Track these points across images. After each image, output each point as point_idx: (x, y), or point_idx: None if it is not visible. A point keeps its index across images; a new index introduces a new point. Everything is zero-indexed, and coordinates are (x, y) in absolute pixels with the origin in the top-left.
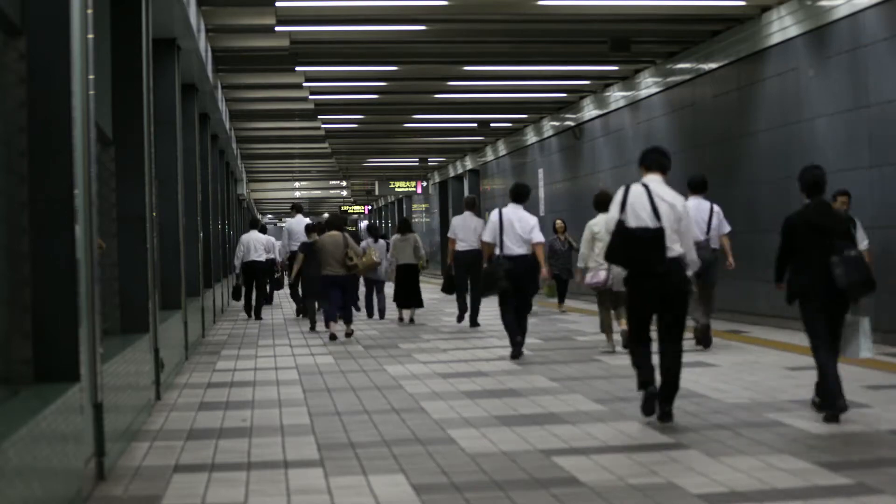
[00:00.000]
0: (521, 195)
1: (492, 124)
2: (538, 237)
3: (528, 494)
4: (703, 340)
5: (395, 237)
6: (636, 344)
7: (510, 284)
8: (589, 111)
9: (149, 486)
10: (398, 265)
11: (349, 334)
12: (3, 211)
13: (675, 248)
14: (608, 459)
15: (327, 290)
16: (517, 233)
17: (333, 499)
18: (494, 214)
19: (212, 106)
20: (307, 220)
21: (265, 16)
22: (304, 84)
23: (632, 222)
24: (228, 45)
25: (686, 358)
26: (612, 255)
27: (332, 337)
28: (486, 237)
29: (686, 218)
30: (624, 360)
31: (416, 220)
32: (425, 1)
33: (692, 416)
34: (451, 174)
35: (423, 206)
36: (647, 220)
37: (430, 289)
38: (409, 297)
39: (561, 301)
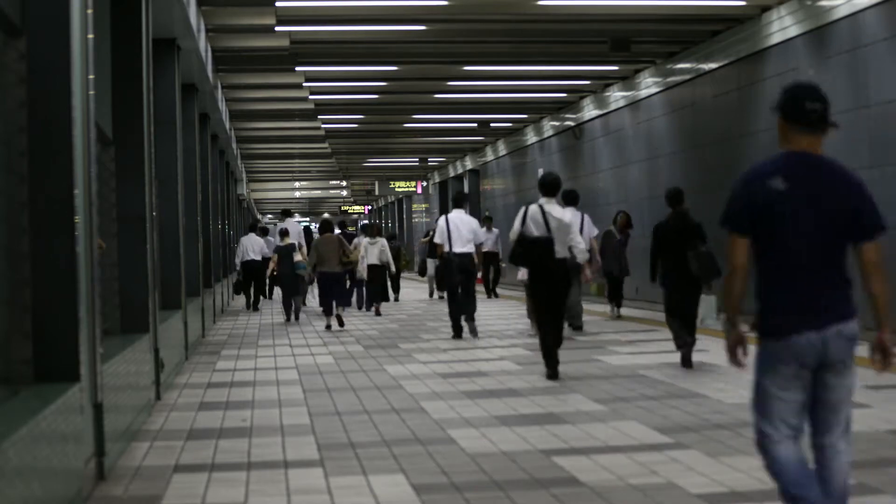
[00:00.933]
0: (460, 202)
1: (492, 124)
2: (481, 238)
3: (528, 494)
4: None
5: (365, 240)
6: (539, 314)
7: (462, 277)
8: (589, 111)
9: (149, 486)
10: (368, 265)
11: (340, 321)
12: (3, 211)
13: (561, 251)
14: (608, 459)
15: (324, 285)
16: (463, 234)
17: (333, 499)
18: (442, 220)
19: (212, 106)
20: (298, 224)
21: (265, 16)
22: (304, 84)
23: (531, 233)
24: (228, 45)
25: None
26: (515, 259)
27: (328, 327)
28: (437, 239)
29: (569, 229)
30: (624, 360)
31: (416, 219)
32: (425, 1)
33: (692, 416)
34: (451, 174)
35: (423, 205)
36: (541, 232)
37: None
38: (381, 294)
39: (617, 304)
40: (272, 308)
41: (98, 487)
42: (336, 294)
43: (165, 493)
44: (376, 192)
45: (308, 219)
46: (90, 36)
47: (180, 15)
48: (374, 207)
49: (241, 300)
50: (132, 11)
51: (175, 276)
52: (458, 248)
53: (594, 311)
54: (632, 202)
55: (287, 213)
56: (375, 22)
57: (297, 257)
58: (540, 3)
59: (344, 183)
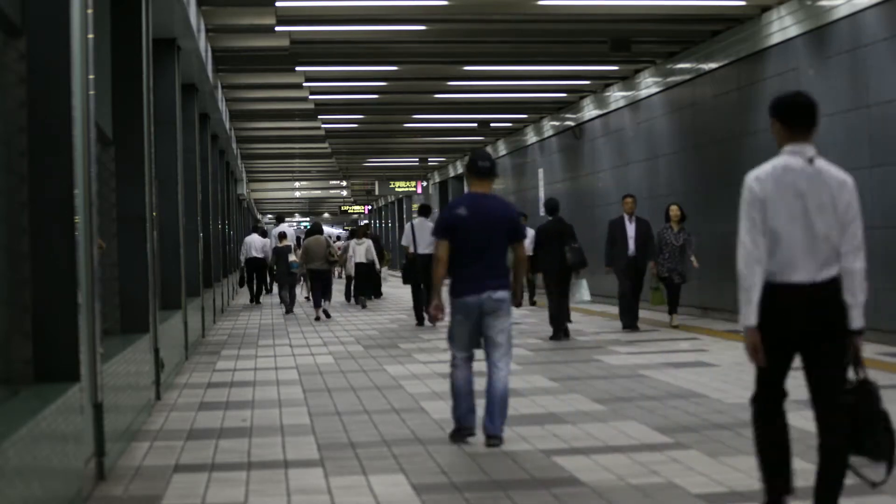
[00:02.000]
0: (425, 212)
1: (492, 124)
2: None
3: (529, 494)
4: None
5: (352, 241)
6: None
7: (425, 274)
8: (589, 111)
9: (149, 486)
10: (355, 263)
11: (326, 313)
12: (3, 211)
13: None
14: (608, 459)
15: (313, 280)
16: (426, 238)
17: (333, 499)
18: (408, 226)
19: (212, 106)
20: (291, 228)
21: (265, 16)
22: (304, 84)
23: (420, 250)
24: (228, 45)
25: (685, 357)
26: (406, 278)
27: (317, 318)
28: (404, 242)
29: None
30: (624, 360)
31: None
32: (425, 1)
33: (692, 416)
34: (451, 174)
35: None
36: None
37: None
38: (367, 289)
39: (672, 310)
40: (272, 305)
41: (98, 487)
42: (323, 288)
43: (165, 493)
44: (376, 192)
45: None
46: (90, 36)
47: (180, 15)
48: (374, 207)
49: (245, 294)
50: (132, 11)
51: (175, 276)
52: (421, 250)
53: (651, 318)
54: None
55: (279, 219)
56: (375, 22)
57: (292, 257)
58: (540, 3)
59: (344, 183)
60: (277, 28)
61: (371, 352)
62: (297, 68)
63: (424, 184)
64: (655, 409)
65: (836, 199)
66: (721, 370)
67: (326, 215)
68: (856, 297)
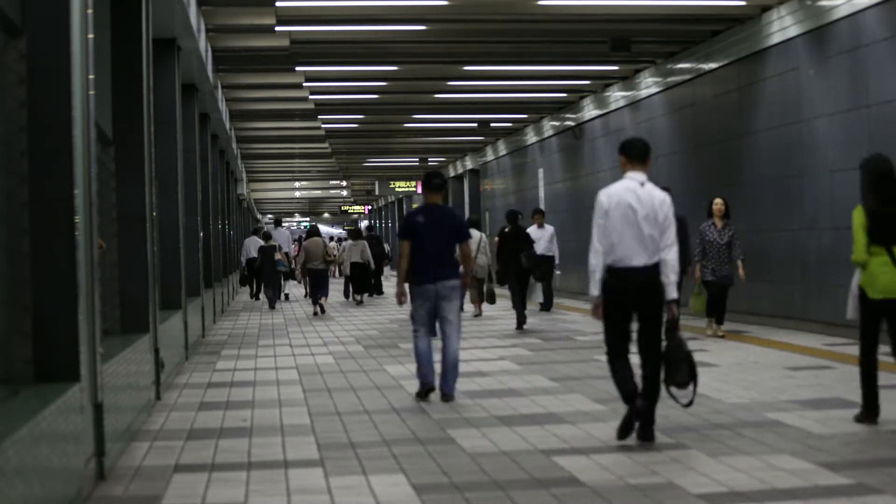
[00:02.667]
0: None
1: (492, 124)
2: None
3: (529, 494)
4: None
5: (348, 242)
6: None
7: None
8: (589, 111)
9: (149, 486)
10: (351, 263)
11: (322, 309)
12: (4, 211)
13: None
14: (608, 459)
15: (312, 279)
16: None
17: (333, 499)
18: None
19: (212, 106)
20: (286, 232)
21: (265, 16)
22: (304, 84)
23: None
24: (228, 45)
25: None
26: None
27: (315, 314)
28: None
29: None
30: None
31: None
32: (425, 1)
33: (692, 416)
34: (451, 174)
35: None
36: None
37: None
38: (362, 287)
39: (718, 320)
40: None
41: (98, 487)
42: (321, 286)
43: (165, 493)
44: (376, 192)
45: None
46: (90, 36)
47: (180, 15)
48: (374, 207)
49: (245, 293)
50: (132, 11)
51: (175, 276)
52: None
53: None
54: None
55: (278, 223)
56: (375, 22)
57: (278, 256)
58: (540, 3)
59: (344, 183)
60: (277, 28)
61: (371, 352)
62: (297, 68)
63: None
64: (655, 409)
65: (658, 212)
66: (721, 370)
67: (326, 215)
68: (669, 278)
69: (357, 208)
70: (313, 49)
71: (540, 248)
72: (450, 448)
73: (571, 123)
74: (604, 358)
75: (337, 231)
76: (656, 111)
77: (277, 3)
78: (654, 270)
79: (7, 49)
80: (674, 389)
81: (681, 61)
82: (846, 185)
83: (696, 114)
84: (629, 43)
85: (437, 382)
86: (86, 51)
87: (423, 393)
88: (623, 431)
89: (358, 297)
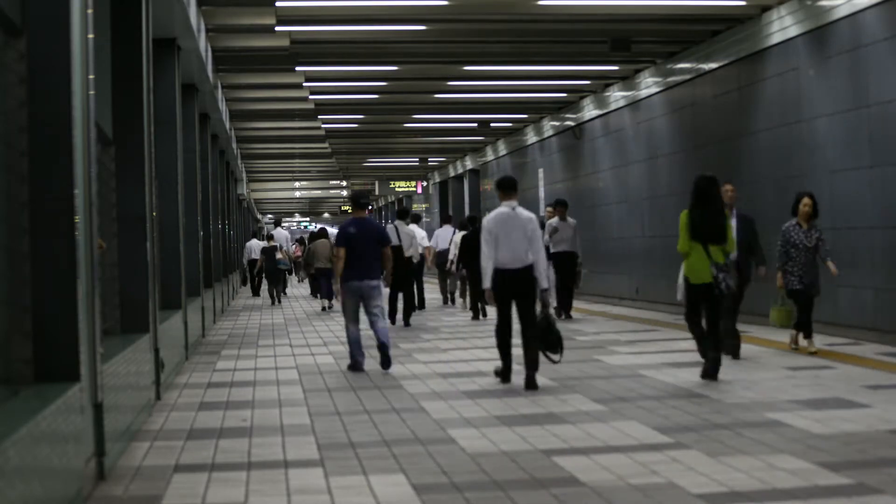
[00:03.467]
0: (404, 215)
1: (492, 124)
2: (425, 244)
3: (529, 494)
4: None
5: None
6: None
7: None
8: (589, 111)
9: (149, 486)
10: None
11: (331, 306)
12: (4, 211)
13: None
14: (608, 459)
15: (320, 277)
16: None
17: (333, 499)
18: (391, 226)
19: (212, 106)
20: (285, 231)
21: (265, 16)
22: (304, 84)
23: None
24: (228, 45)
25: (685, 357)
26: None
27: (324, 308)
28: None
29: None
30: (624, 360)
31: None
32: (425, 1)
33: (692, 416)
34: (451, 174)
35: (424, 205)
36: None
37: (430, 288)
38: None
39: (807, 334)
40: (272, 310)
41: (98, 487)
42: (327, 284)
43: (165, 493)
44: (376, 192)
45: (308, 219)
46: (90, 36)
47: (180, 15)
48: (374, 207)
49: (246, 292)
50: (132, 11)
51: (175, 276)
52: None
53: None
54: (632, 202)
55: (278, 223)
56: (375, 22)
57: (279, 255)
58: (540, 3)
59: (344, 183)
60: (277, 28)
61: (371, 352)
62: (297, 68)
63: (424, 184)
64: (655, 409)
65: (525, 228)
66: (721, 370)
67: (326, 215)
68: (540, 274)
69: None
70: (313, 49)
71: (563, 244)
72: (450, 448)
73: (571, 123)
74: (605, 358)
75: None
76: (656, 111)
77: (277, 3)
78: (527, 270)
79: (7, 49)
80: (549, 353)
81: (681, 61)
82: (846, 185)
83: (696, 114)
84: (629, 43)
85: (365, 361)
86: (86, 51)
87: (354, 369)
88: (506, 378)
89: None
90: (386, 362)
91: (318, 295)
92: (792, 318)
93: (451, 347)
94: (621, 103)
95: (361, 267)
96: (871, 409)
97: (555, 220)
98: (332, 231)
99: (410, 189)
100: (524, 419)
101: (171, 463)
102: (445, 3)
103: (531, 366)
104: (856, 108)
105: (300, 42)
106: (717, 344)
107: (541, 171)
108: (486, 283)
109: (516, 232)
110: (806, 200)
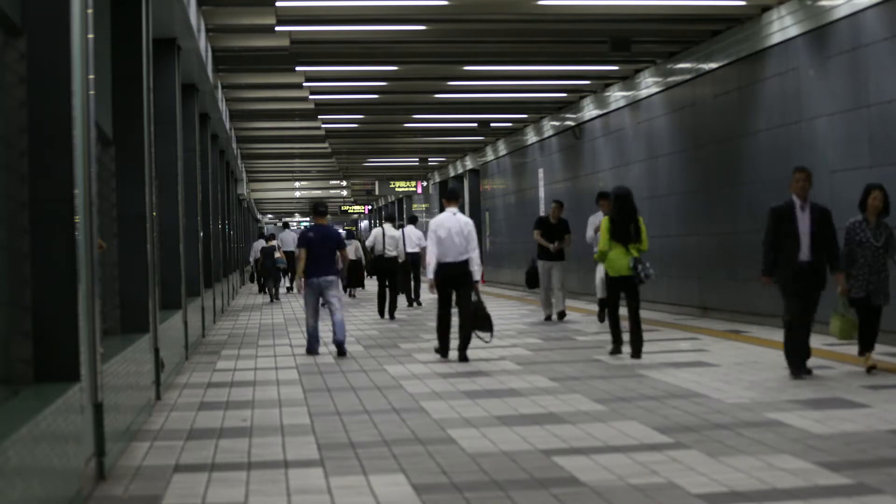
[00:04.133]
0: (390, 218)
1: (492, 124)
2: (422, 244)
3: (529, 494)
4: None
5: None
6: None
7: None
8: (589, 111)
9: (149, 486)
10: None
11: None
12: (4, 211)
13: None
14: (608, 459)
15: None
16: (387, 241)
17: (333, 499)
18: (378, 230)
19: (212, 106)
20: (293, 234)
21: (265, 16)
22: (304, 84)
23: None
24: (228, 45)
25: (685, 357)
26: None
27: (324, 305)
28: (369, 243)
29: (397, 242)
30: (624, 360)
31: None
32: (425, 1)
33: (692, 416)
34: (451, 174)
35: (424, 205)
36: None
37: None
38: (354, 282)
39: (867, 347)
40: (272, 310)
41: (98, 487)
42: None
43: (165, 493)
44: (376, 192)
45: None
46: (90, 36)
47: (180, 15)
48: (374, 207)
49: (245, 292)
50: (132, 11)
51: (175, 276)
52: (389, 252)
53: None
54: None
55: (286, 226)
56: (375, 22)
57: (277, 254)
58: (540, 3)
59: (344, 183)
60: (277, 28)
61: (371, 352)
62: (297, 68)
63: (424, 184)
64: (655, 409)
65: (463, 229)
66: (721, 370)
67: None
68: (473, 268)
69: (357, 208)
70: (313, 49)
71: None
72: (450, 448)
73: (571, 123)
74: (604, 358)
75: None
76: (656, 111)
77: (277, 3)
78: (464, 263)
79: (7, 49)
80: (481, 334)
81: (681, 61)
82: (846, 185)
83: (696, 114)
84: (629, 43)
85: (321, 347)
86: (86, 51)
87: (311, 353)
88: (444, 354)
89: (351, 291)
90: (341, 354)
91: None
92: (856, 329)
93: (452, 347)
94: (621, 103)
95: (319, 265)
96: (871, 409)
97: (598, 215)
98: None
99: (410, 189)
100: (524, 419)
101: (171, 463)
102: (445, 3)
103: (464, 343)
104: (856, 108)
105: (300, 42)
106: (638, 324)
107: (541, 171)
108: (430, 274)
109: (456, 232)
110: (876, 194)
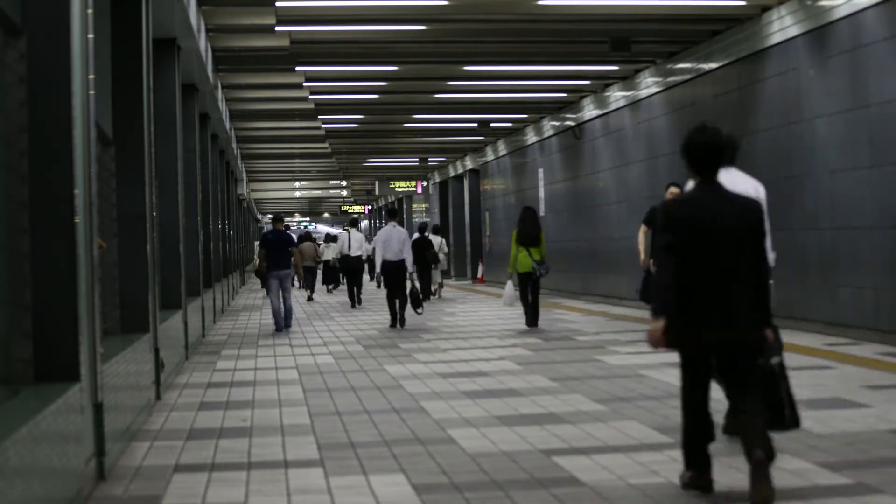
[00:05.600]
0: (355, 224)
1: (492, 124)
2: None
3: (529, 494)
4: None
5: (323, 244)
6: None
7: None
8: (589, 111)
9: (149, 486)
10: (323, 260)
11: (311, 298)
12: (3, 211)
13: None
14: (608, 459)
15: (306, 273)
16: (353, 244)
17: (333, 499)
18: (344, 234)
19: (212, 106)
20: (293, 235)
21: (265, 16)
22: (304, 84)
23: (389, 257)
24: (228, 45)
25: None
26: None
27: (309, 298)
28: (338, 246)
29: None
30: (624, 360)
31: (416, 219)
32: (425, 1)
33: None
34: (451, 174)
35: (423, 205)
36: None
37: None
38: (332, 279)
39: None
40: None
41: (98, 487)
42: (311, 279)
43: (165, 493)
44: (376, 192)
45: (308, 219)
46: (90, 36)
47: (180, 15)
48: (374, 207)
49: (244, 291)
50: (132, 11)
51: (175, 276)
52: (389, 257)
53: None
54: (632, 202)
55: (285, 227)
56: (375, 22)
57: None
58: (540, 3)
59: (344, 183)
60: (277, 28)
61: (371, 352)
62: (297, 68)
63: (424, 184)
64: (655, 409)
65: (401, 237)
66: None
67: (326, 215)
68: (408, 264)
69: (357, 208)
70: (313, 49)
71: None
72: (450, 448)
73: (571, 123)
74: (605, 358)
75: (336, 231)
76: (656, 111)
77: (277, 3)
78: (402, 262)
79: (7, 49)
80: (419, 310)
81: (681, 61)
82: (846, 185)
83: (697, 114)
84: (629, 43)
85: (283, 326)
86: (86, 51)
87: (277, 330)
88: (392, 325)
89: (332, 287)
90: (287, 324)
91: (305, 287)
92: None
93: (451, 347)
94: (621, 103)
95: (277, 262)
96: (871, 409)
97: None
98: (324, 231)
99: (410, 189)
100: (524, 419)
101: (171, 463)
102: (445, 3)
103: (402, 318)
104: (856, 109)
105: (300, 42)
106: (536, 308)
107: (541, 171)
108: (378, 269)
109: (395, 240)
110: None
